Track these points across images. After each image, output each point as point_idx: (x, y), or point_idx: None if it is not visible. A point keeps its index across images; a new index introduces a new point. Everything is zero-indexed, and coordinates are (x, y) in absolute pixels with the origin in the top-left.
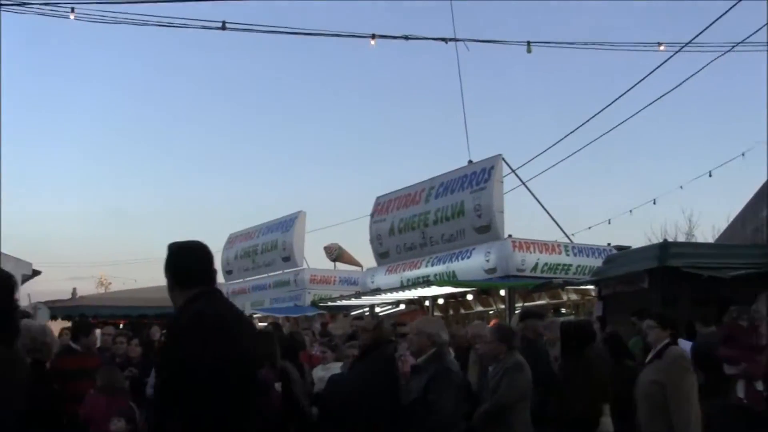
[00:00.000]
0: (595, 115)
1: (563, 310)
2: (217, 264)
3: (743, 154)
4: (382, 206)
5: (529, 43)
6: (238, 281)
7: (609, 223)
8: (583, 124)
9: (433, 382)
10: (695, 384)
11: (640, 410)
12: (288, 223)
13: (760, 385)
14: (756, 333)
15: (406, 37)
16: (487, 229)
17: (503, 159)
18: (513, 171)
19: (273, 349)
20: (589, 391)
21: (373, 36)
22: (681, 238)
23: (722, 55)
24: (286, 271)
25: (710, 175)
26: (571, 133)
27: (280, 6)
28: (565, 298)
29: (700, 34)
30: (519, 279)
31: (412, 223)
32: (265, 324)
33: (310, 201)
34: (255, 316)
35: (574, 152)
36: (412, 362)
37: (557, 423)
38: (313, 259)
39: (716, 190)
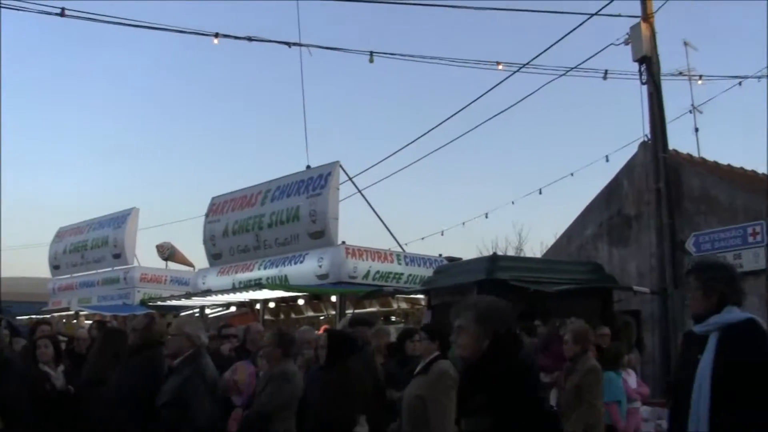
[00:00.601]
0: (432, 129)
1: (393, 318)
2: (45, 258)
3: (572, 174)
4: (217, 207)
5: (371, 53)
6: (65, 277)
7: (442, 234)
8: (421, 137)
9: (186, 383)
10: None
11: (404, 424)
12: (120, 220)
13: None
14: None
15: (250, 38)
16: (321, 235)
17: (341, 166)
18: (350, 179)
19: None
20: (343, 402)
21: (217, 35)
22: (511, 252)
23: (557, 78)
24: (116, 268)
25: (540, 192)
26: (409, 144)
27: None
28: (395, 306)
29: (537, 56)
30: (350, 286)
31: (247, 226)
32: (91, 322)
33: (144, 198)
34: (82, 313)
35: (410, 163)
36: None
37: None
38: (145, 257)
39: (546, 206)
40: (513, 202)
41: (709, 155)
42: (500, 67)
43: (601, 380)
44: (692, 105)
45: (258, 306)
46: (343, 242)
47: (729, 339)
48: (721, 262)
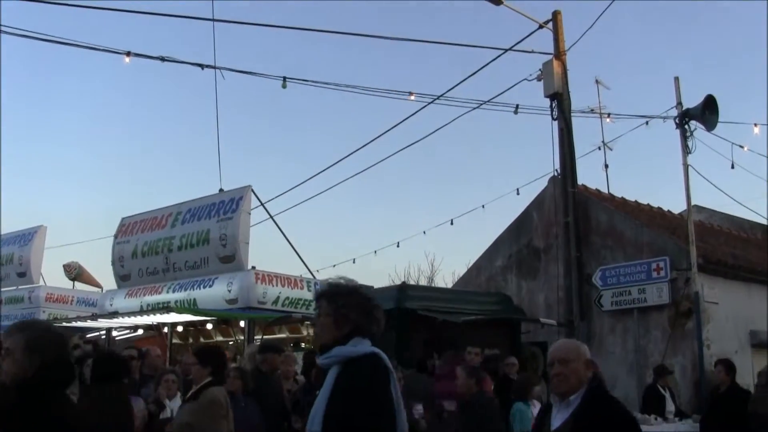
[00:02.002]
0: (345, 157)
1: (303, 345)
2: None
3: (483, 206)
4: (127, 227)
5: (284, 78)
6: None
7: (354, 262)
8: (333, 165)
9: None
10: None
11: None
12: (26, 237)
13: None
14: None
15: (162, 59)
16: (231, 259)
17: (252, 190)
18: (262, 204)
19: None
20: None
21: (128, 53)
22: (423, 281)
23: (470, 110)
24: (20, 287)
25: (452, 223)
26: (322, 171)
27: (29, 7)
28: (305, 332)
29: (451, 89)
30: (260, 311)
31: (156, 248)
32: None
33: (51, 216)
34: None
35: (323, 191)
36: None
37: None
38: (51, 276)
39: (458, 237)
40: (425, 232)
41: (618, 191)
42: (412, 97)
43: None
44: (602, 142)
45: (166, 329)
46: (253, 267)
47: (347, 374)
48: (356, 287)
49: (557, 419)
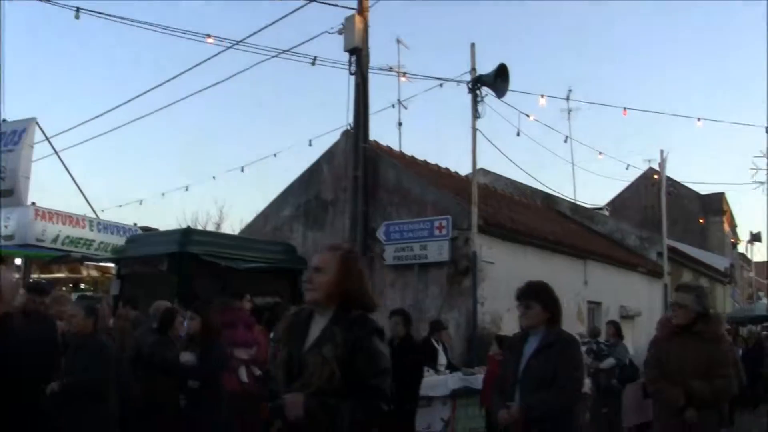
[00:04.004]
0: (136, 96)
1: (83, 286)
2: None
3: (275, 155)
4: None
5: (78, 9)
6: None
7: (141, 203)
8: (124, 103)
9: None
10: None
11: None
12: None
13: (257, 370)
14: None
15: None
16: (10, 194)
17: (37, 123)
18: (47, 138)
19: None
20: None
21: None
22: (211, 228)
23: (268, 59)
24: None
25: (242, 170)
26: (112, 110)
27: None
28: (85, 273)
29: (250, 35)
30: (38, 249)
31: None
32: None
33: None
34: None
35: (112, 129)
36: None
37: None
38: None
39: (248, 185)
40: (214, 177)
41: (409, 150)
42: (210, 40)
43: None
44: (398, 100)
45: None
46: (33, 203)
47: None
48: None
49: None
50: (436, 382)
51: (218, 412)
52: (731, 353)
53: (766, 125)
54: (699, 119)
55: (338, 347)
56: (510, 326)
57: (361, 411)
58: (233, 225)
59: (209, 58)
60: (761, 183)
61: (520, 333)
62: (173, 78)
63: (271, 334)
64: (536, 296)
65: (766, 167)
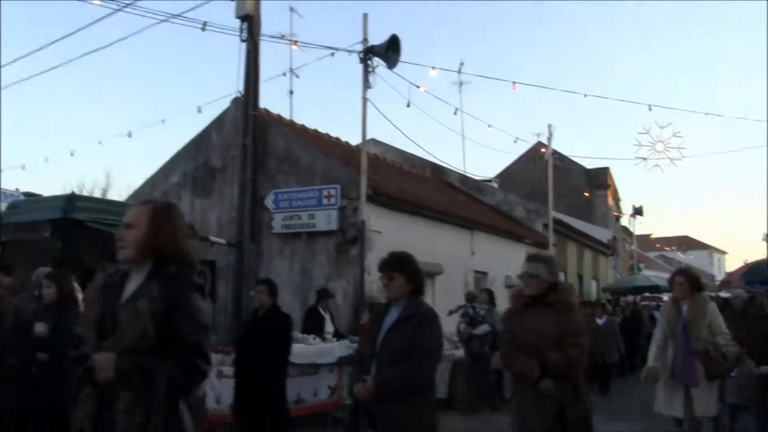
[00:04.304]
0: (22, 57)
1: None
2: None
3: (163, 121)
4: None
5: None
6: None
7: (23, 168)
8: (4, 66)
9: None
10: None
11: None
12: None
13: None
14: None
15: None
16: None
17: None
18: None
19: None
20: None
21: None
22: (97, 194)
23: (158, 23)
24: None
25: (130, 136)
26: None
27: None
28: None
29: None
30: None
31: None
32: None
33: None
34: None
35: None
36: None
37: None
38: None
39: (136, 151)
40: (100, 142)
41: (301, 119)
42: (97, 2)
43: None
44: (290, 68)
45: None
46: None
47: None
48: None
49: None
50: (323, 349)
51: (67, 384)
52: (584, 323)
53: (649, 103)
54: (586, 95)
55: (154, 302)
56: None
57: (179, 370)
58: (120, 191)
59: (97, 21)
60: (644, 159)
61: (383, 304)
62: (59, 40)
63: None
64: (400, 267)
65: (648, 144)
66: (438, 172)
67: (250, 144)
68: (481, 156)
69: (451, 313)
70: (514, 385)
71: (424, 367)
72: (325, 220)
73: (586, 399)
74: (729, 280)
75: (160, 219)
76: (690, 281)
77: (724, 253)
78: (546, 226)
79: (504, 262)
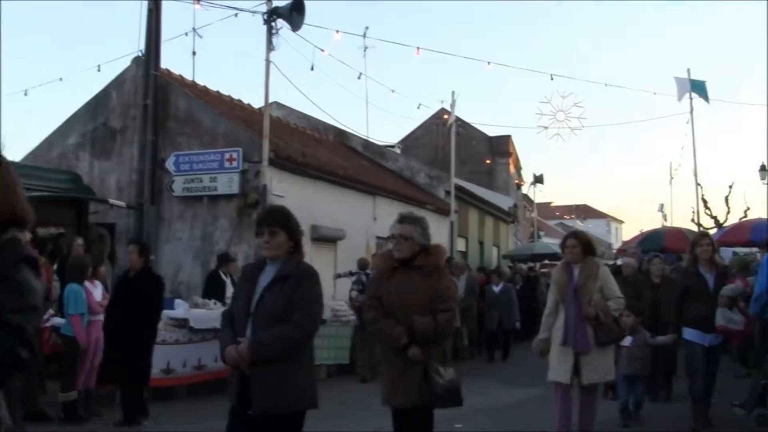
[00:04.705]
0: None
1: None
2: None
3: (61, 79)
4: None
5: None
6: None
7: None
8: None
9: None
10: None
11: None
12: None
13: None
14: None
15: None
16: None
17: None
18: None
19: None
20: None
21: None
22: None
23: None
24: None
25: (26, 94)
26: None
27: None
28: None
29: None
30: None
31: None
32: None
33: None
34: None
35: None
36: None
37: None
38: None
39: (33, 109)
40: None
41: (203, 80)
42: None
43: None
44: (192, 28)
45: None
46: None
47: None
48: None
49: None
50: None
51: None
52: (453, 286)
53: (551, 72)
54: (489, 63)
55: None
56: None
57: None
58: (15, 152)
59: None
60: (545, 128)
61: (257, 262)
62: None
63: (55, 266)
64: (283, 223)
65: (550, 113)
66: (341, 136)
67: (151, 105)
68: (385, 121)
69: (338, 276)
70: (382, 352)
71: (303, 329)
72: (227, 183)
73: (454, 366)
74: (625, 249)
75: None
76: (582, 244)
77: (621, 222)
78: (448, 192)
79: None
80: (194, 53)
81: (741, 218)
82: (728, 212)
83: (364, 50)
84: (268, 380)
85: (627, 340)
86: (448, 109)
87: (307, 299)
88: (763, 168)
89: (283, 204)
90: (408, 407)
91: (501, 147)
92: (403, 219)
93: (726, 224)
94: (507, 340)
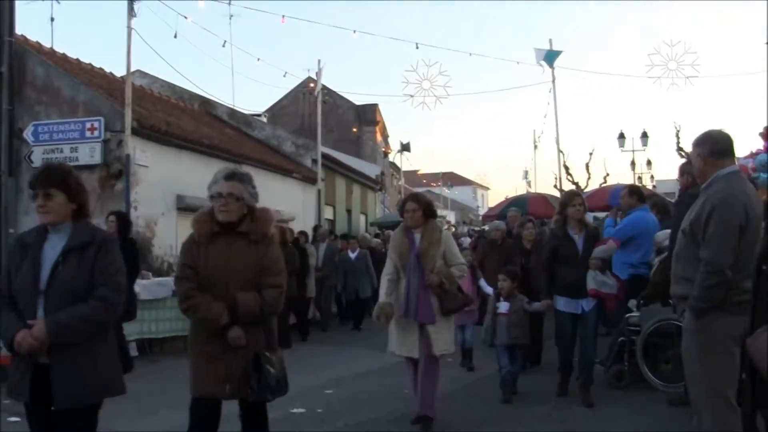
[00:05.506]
0: None
1: None
2: None
3: None
4: None
5: None
6: None
7: None
8: None
9: None
10: None
11: None
12: None
13: None
14: None
15: None
16: None
17: None
18: None
19: None
20: None
21: None
22: None
23: None
24: None
25: None
26: None
27: None
28: None
29: None
30: None
31: None
32: None
33: None
34: None
35: None
36: None
37: None
38: None
39: None
40: None
41: (63, 47)
42: None
43: None
44: None
45: None
46: None
47: None
48: None
49: None
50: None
51: None
52: (282, 259)
53: (417, 41)
54: (355, 31)
55: None
56: (165, 229)
57: None
58: None
59: None
60: (411, 96)
61: (35, 229)
62: None
63: None
64: (60, 183)
65: (416, 81)
66: (206, 105)
67: (6, 72)
68: (252, 90)
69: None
70: (195, 333)
71: (110, 305)
72: (88, 153)
73: (279, 352)
74: (490, 215)
75: None
76: (423, 207)
77: (487, 188)
78: (315, 161)
79: (273, 196)
80: (53, 19)
81: (601, 184)
82: (589, 178)
83: (230, 18)
84: (71, 368)
85: (503, 307)
86: (315, 77)
87: (111, 271)
88: (621, 135)
89: (147, 174)
90: (228, 398)
91: (368, 115)
92: (232, 175)
93: (587, 190)
94: (360, 308)
